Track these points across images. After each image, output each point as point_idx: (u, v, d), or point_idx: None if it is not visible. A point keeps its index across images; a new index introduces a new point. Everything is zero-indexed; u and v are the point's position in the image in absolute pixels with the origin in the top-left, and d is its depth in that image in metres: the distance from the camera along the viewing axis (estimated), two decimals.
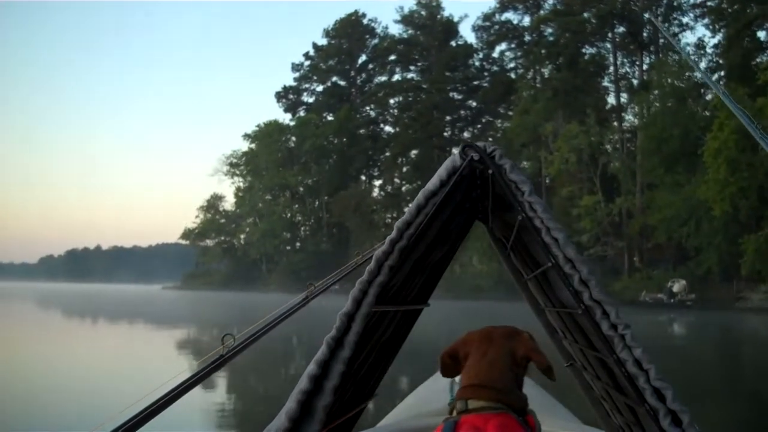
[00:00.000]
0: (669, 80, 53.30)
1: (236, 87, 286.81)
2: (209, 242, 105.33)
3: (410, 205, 2.14)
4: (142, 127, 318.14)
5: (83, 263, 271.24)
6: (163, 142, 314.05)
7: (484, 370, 2.05)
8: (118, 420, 1.97)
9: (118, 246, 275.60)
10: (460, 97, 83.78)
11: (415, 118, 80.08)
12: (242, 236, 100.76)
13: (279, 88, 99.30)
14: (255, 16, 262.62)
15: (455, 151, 2.73)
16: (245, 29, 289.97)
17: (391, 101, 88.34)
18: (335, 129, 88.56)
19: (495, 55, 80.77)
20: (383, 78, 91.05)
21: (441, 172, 2.13)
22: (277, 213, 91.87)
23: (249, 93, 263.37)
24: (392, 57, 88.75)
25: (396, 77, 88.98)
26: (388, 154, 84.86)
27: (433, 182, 2.12)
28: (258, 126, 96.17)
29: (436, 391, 3.83)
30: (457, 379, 2.25)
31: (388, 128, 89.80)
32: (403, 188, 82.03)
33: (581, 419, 3.75)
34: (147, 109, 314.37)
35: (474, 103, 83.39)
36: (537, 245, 2.10)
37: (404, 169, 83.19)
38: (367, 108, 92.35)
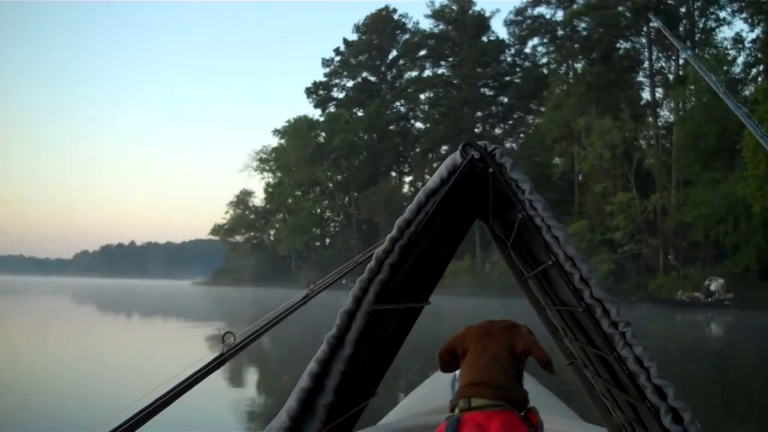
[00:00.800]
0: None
1: (267, 83, 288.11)
2: (239, 238, 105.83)
3: (411, 203, 2.13)
4: (174, 124, 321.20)
5: (117, 259, 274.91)
6: (195, 138, 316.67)
7: (484, 367, 2.05)
8: (119, 419, 1.96)
9: (152, 242, 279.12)
10: (491, 93, 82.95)
11: (445, 114, 79.49)
12: (272, 232, 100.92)
13: (309, 84, 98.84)
14: (286, 11, 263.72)
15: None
16: (276, 25, 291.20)
17: (422, 97, 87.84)
18: (365, 125, 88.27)
19: (527, 50, 79.87)
20: (414, 73, 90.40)
21: (441, 170, 2.13)
22: (306, 209, 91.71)
23: (279, 89, 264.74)
24: (423, 52, 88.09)
25: (426, 73, 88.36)
26: (418, 150, 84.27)
27: (433, 180, 2.13)
28: (288, 122, 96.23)
29: (437, 389, 3.84)
30: (458, 376, 2.24)
31: (418, 124, 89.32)
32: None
33: (582, 417, 3.70)
34: (179, 105, 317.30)
35: (505, 99, 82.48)
36: (537, 243, 2.08)
37: (434, 165, 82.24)
38: (397, 104, 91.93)
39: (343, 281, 2.57)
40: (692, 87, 53.37)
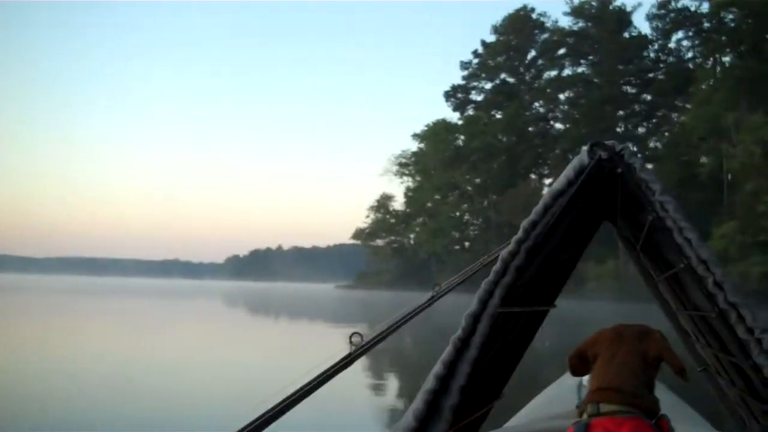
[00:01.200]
0: None
1: (407, 87, 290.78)
2: (380, 242, 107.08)
3: (537, 205, 2.10)
4: (319, 130, 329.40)
5: (265, 263, 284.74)
6: (339, 143, 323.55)
7: (615, 373, 2.00)
8: (248, 418, 1.98)
9: (298, 246, 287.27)
10: (633, 90, 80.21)
11: (585, 113, 77.50)
12: (411, 236, 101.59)
13: (448, 88, 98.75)
14: (424, 15, 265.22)
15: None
16: (415, 29, 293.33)
17: (561, 96, 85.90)
18: (504, 127, 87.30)
19: (671, 45, 76.71)
20: (553, 73, 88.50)
21: (568, 171, 2.12)
22: (445, 212, 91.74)
23: (420, 93, 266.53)
24: (562, 51, 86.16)
25: (566, 72, 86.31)
26: (557, 151, 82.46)
27: (560, 181, 2.11)
28: (426, 126, 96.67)
29: (563, 393, 3.75)
30: (585, 380, 2.25)
31: (558, 125, 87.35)
32: None
33: (715, 426, 3.60)
34: (324, 113, 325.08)
35: (648, 97, 79.41)
36: (669, 246, 2.05)
37: None
38: (536, 104, 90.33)
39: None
40: None
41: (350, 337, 2.18)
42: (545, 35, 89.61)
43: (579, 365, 2.15)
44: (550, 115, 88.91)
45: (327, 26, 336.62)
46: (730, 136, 56.97)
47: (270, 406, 2.03)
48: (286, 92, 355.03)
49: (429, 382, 2.02)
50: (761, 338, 1.82)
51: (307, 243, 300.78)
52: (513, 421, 3.86)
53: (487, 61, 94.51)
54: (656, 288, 2.89)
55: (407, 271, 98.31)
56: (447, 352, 2.03)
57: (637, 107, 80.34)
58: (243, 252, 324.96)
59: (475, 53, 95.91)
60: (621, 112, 79.66)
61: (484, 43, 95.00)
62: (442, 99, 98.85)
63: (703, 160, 61.66)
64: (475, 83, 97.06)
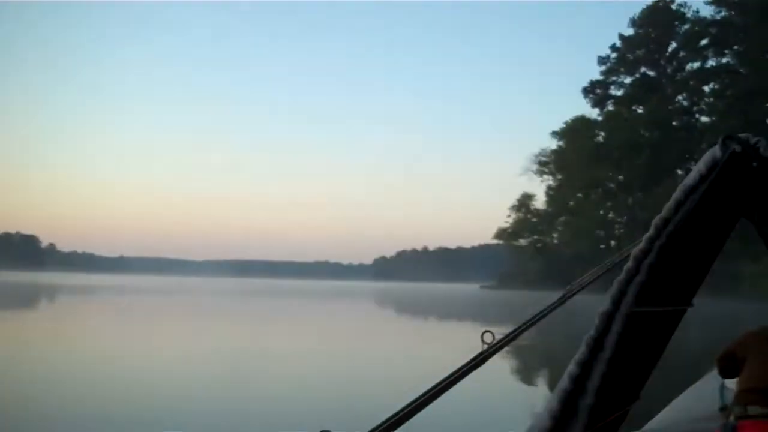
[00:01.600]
0: None
1: (544, 85, 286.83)
2: (522, 242, 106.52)
3: (669, 201, 2.12)
4: (460, 129, 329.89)
5: (411, 263, 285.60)
6: (478, 141, 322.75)
7: (764, 374, 1.96)
8: (383, 416, 2.02)
9: (443, 247, 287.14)
10: None
11: (731, 105, 74.35)
12: (554, 235, 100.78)
13: (586, 84, 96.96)
14: (560, 10, 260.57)
15: None
16: (550, 25, 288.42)
17: (705, 89, 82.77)
18: (646, 121, 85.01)
19: None
20: (696, 64, 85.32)
21: (700, 166, 2.08)
22: (588, 211, 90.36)
23: (557, 90, 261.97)
24: (704, 41, 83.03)
25: (710, 63, 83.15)
26: (704, 145, 79.56)
27: (692, 177, 2.08)
28: (565, 123, 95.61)
29: (705, 395, 3.55)
30: (727, 382, 2.22)
31: (703, 118, 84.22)
32: None
33: None
34: (465, 112, 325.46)
35: None
36: None
37: None
38: (679, 97, 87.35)
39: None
40: None
41: (482, 336, 2.15)
42: (686, 26, 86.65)
43: (728, 367, 2.11)
44: (695, 108, 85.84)
45: (462, 23, 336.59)
46: None
47: (402, 405, 2.03)
48: (426, 92, 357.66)
49: (564, 382, 2.05)
50: None
51: (452, 244, 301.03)
52: (652, 424, 3.71)
53: (626, 54, 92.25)
54: None
55: (551, 270, 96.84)
56: (581, 352, 2.06)
57: None
58: (389, 253, 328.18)
59: (613, 47, 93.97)
60: None
61: (622, 37, 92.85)
62: (580, 96, 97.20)
63: None
64: (614, 78, 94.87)
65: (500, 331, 2.35)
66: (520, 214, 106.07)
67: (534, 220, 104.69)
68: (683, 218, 2.05)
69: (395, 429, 2.02)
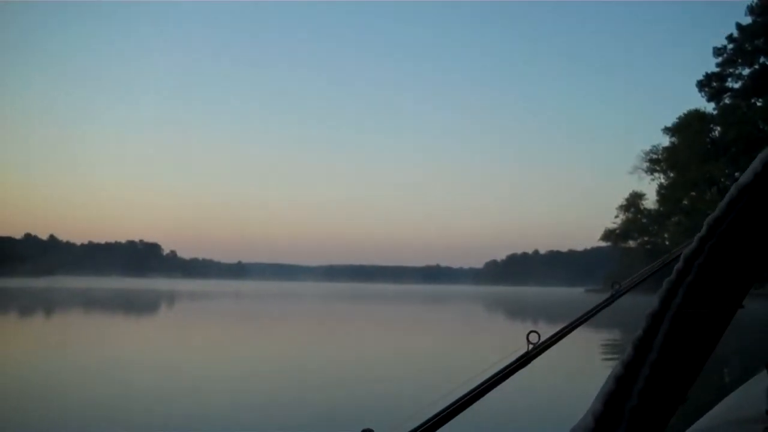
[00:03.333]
0: None
1: (655, 80, 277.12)
2: (631, 243, 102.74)
3: (722, 201, 1.90)
4: (567, 130, 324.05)
5: (522, 267, 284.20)
6: (584, 142, 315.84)
7: None
8: (419, 419, 1.99)
9: (554, 250, 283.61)
10: None
11: None
12: (665, 235, 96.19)
13: (701, 77, 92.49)
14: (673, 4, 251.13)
15: None
16: (661, 19, 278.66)
17: None
18: (765, 114, 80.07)
19: None
20: None
21: (756, 163, 1.87)
22: (703, 210, 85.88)
23: (670, 86, 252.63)
24: None
25: None
26: None
27: (747, 174, 1.87)
28: (678, 118, 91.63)
29: (752, 397, 3.38)
30: None
31: None
32: None
33: None
34: (571, 113, 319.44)
35: None
36: None
37: None
38: None
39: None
40: None
41: (527, 336, 2.11)
42: None
43: None
44: None
45: (566, 10, 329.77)
46: None
47: (440, 408, 2.00)
48: (536, 92, 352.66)
49: (608, 384, 1.95)
50: None
51: (563, 246, 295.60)
52: (698, 425, 3.50)
53: (744, 44, 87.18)
54: None
55: (664, 273, 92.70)
56: (627, 353, 1.93)
57: None
58: (500, 257, 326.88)
59: (730, 38, 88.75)
60: None
61: (739, 26, 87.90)
62: (695, 90, 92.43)
63: None
64: (731, 70, 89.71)
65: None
66: (629, 215, 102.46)
67: (644, 220, 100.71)
68: (736, 218, 1.86)
69: (438, 428, 1.99)
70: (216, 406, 10.90)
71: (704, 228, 1.87)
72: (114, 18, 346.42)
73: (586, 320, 2.23)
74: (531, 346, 2.08)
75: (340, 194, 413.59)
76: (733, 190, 1.87)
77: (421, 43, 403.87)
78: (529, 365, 2.14)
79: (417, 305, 58.28)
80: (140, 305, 46.43)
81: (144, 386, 12.81)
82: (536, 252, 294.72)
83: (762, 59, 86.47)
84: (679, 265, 1.88)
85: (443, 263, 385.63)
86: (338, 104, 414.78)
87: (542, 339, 2.10)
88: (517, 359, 2.09)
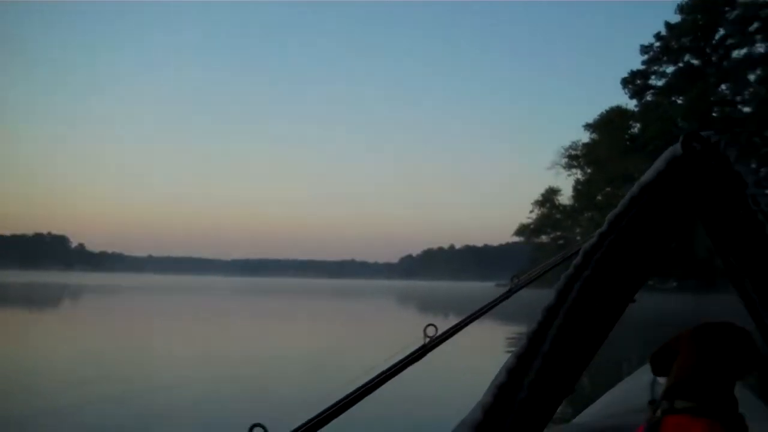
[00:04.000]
0: None
1: (580, 78, 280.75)
2: (544, 238, 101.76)
3: (624, 198, 2.10)
4: (491, 123, 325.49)
5: (437, 262, 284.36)
6: (510, 137, 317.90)
7: (693, 370, 2.01)
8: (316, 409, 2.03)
9: (470, 245, 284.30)
10: None
11: None
12: (578, 231, 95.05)
13: (625, 75, 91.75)
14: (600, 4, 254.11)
15: None
16: (587, 19, 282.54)
17: (751, 77, 76.87)
18: (684, 112, 79.54)
19: None
20: (742, 51, 79.66)
21: (658, 163, 2.06)
22: (616, 206, 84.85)
23: (594, 84, 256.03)
24: (754, 26, 77.02)
25: (758, 48, 77.26)
26: (741, 135, 73.74)
27: (649, 173, 2.07)
28: (600, 115, 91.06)
29: (637, 389, 3.75)
30: (660, 377, 2.38)
31: (747, 109, 78.29)
32: (762, 172, 70.63)
33: None
34: (489, 106, 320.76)
35: None
36: (758, 241, 2.05)
37: (761, 152, 71.71)
38: (723, 87, 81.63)
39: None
40: None
41: (425, 329, 2.15)
42: (736, 12, 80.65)
43: (661, 364, 2.18)
44: (738, 97, 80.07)
45: (488, 12, 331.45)
46: None
47: (334, 401, 2.02)
48: (454, 88, 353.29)
49: (500, 376, 1.99)
50: None
51: (479, 242, 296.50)
52: (584, 416, 3.78)
53: (671, 43, 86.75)
54: (741, 284, 2.61)
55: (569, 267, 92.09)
56: (521, 345, 2.00)
57: None
58: (416, 251, 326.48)
59: (658, 36, 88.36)
60: None
61: (668, 25, 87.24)
62: (619, 88, 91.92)
63: None
64: (655, 68, 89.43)
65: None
66: (544, 210, 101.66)
67: (558, 216, 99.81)
68: (636, 215, 2.06)
69: (327, 423, 2.06)
70: (99, 406, 9.67)
71: (605, 224, 2.05)
72: None
73: (483, 313, 2.32)
74: (428, 339, 2.15)
75: (253, 188, 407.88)
76: (635, 188, 2.03)
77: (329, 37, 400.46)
78: (433, 357, 2.20)
79: (327, 300, 57.28)
80: (21, 300, 42.57)
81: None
82: (452, 247, 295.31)
83: (687, 57, 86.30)
84: (577, 259, 2.03)
85: (358, 258, 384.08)
86: (246, 95, 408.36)
87: (439, 332, 2.16)
88: (413, 352, 2.14)
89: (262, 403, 10.10)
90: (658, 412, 1.96)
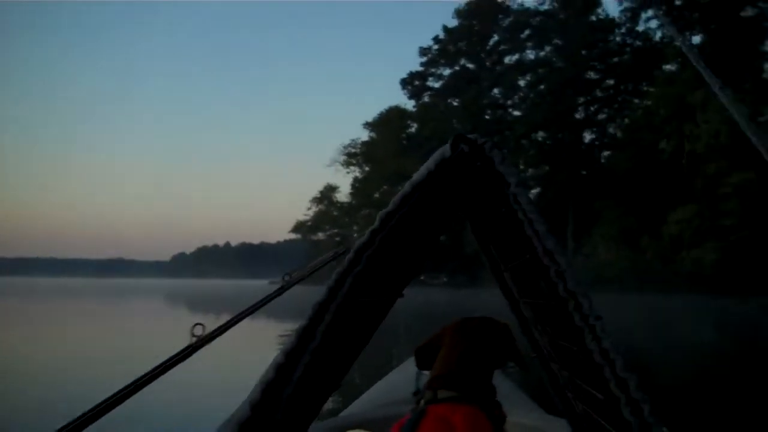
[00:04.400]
0: None
1: (363, 77, 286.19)
2: (321, 235, 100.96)
3: (395, 196, 2.11)
4: (271, 120, 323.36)
5: (213, 260, 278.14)
6: (291, 135, 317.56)
7: (454, 362, 2.13)
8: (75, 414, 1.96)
9: (246, 242, 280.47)
10: (596, 76, 75.56)
11: (543, 95, 73.16)
12: (355, 228, 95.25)
13: (405, 75, 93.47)
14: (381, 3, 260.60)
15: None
16: (370, 17, 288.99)
17: (521, 83, 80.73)
18: (460, 113, 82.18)
19: (639, 28, 72.31)
20: (514, 57, 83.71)
21: (429, 163, 2.11)
22: (389, 204, 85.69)
23: (376, 82, 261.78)
24: (525, 34, 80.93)
25: (529, 55, 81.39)
26: (512, 138, 77.00)
27: (420, 173, 2.12)
28: (379, 114, 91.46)
29: (401, 381, 3.93)
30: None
31: (517, 113, 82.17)
32: (529, 172, 74.03)
33: (545, 409, 3.70)
34: (272, 106, 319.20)
35: (611, 82, 75.03)
36: (518, 237, 2.09)
37: (530, 153, 75.34)
38: (495, 90, 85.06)
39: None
40: None
41: (192, 329, 2.11)
42: (510, 19, 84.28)
43: (425, 358, 2.28)
44: (510, 102, 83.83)
45: (269, 10, 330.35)
46: (695, 117, 52.77)
47: (96, 402, 1.97)
48: (228, 84, 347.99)
49: (268, 372, 2.00)
50: (594, 325, 1.86)
51: (255, 239, 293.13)
52: (351, 409, 3.89)
53: (448, 46, 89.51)
54: (502, 277, 2.80)
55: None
56: (290, 342, 2.01)
57: (599, 92, 75.76)
58: (190, 249, 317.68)
59: (436, 39, 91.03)
60: (582, 99, 75.06)
61: (446, 29, 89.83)
62: (399, 88, 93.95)
63: (665, 143, 57.41)
64: (433, 70, 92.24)
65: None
66: (322, 207, 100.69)
67: (335, 213, 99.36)
68: (407, 212, 2.08)
69: (89, 425, 2.01)
70: None
71: (377, 221, 2.02)
72: None
73: (253, 311, 2.30)
74: (195, 339, 2.11)
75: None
76: (407, 186, 2.03)
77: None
78: (204, 356, 2.17)
79: (90, 301, 52.73)
80: None
81: None
82: (228, 244, 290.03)
83: (463, 61, 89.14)
84: (350, 255, 2.01)
85: (127, 256, 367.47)
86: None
87: (207, 331, 2.12)
88: (180, 352, 2.09)
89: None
90: (422, 402, 2.03)
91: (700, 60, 3.36)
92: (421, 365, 2.31)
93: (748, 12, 57.31)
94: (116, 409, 1.96)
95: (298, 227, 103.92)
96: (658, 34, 69.42)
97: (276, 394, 1.97)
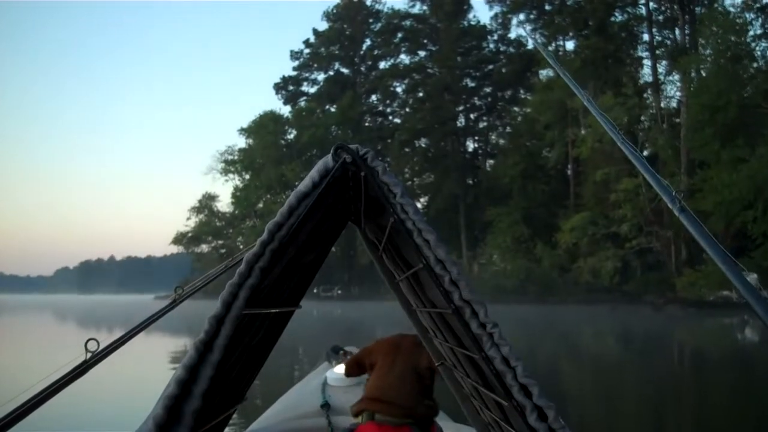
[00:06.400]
0: (720, 38, 44.30)
1: (235, 81, 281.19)
2: (204, 247, 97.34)
3: (282, 207, 2.08)
4: (143, 130, 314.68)
5: (96, 274, 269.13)
6: (167, 143, 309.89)
7: (391, 385, 2.16)
8: None
9: (131, 256, 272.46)
10: (473, 84, 75.49)
11: (423, 101, 72.64)
12: (239, 239, 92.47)
13: (278, 80, 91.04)
14: (251, 3, 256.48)
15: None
16: (243, 17, 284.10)
17: (399, 89, 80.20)
18: (338, 119, 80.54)
19: (511, 35, 73.02)
20: (389, 62, 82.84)
21: (313, 173, 2.11)
22: (277, 213, 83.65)
23: (249, 87, 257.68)
24: (398, 36, 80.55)
25: (403, 59, 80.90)
26: (395, 144, 76.38)
27: (305, 184, 2.11)
28: (254, 119, 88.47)
29: (307, 393, 3.91)
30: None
31: (397, 120, 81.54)
32: (415, 181, 73.78)
33: (451, 417, 3.66)
34: (144, 112, 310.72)
35: (489, 89, 75.16)
36: (409, 247, 2.14)
37: (414, 159, 74.94)
38: (373, 96, 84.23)
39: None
40: (708, 51, 45.52)
41: (86, 344, 2.00)
42: (380, 24, 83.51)
43: (355, 370, 2.36)
44: (389, 108, 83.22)
45: (136, 8, 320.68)
46: (578, 122, 53.33)
47: None
48: (94, 88, 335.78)
49: (170, 388, 1.91)
50: (492, 332, 1.90)
51: (141, 252, 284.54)
52: (259, 423, 3.81)
53: (320, 50, 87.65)
54: (398, 288, 2.88)
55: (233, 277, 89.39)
56: (189, 356, 1.93)
57: (478, 102, 75.88)
58: (73, 263, 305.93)
59: (307, 42, 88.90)
60: (461, 107, 75.06)
61: (315, 32, 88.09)
62: (273, 92, 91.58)
63: (549, 149, 57.80)
64: (307, 74, 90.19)
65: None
66: (202, 217, 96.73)
67: (218, 223, 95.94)
68: (295, 223, 2.04)
69: None
70: None
71: (265, 233, 2.00)
72: None
73: (146, 326, 2.21)
74: (90, 355, 2.01)
75: None
76: (292, 197, 2.03)
77: None
78: (96, 374, 2.10)
79: None
80: None
81: None
82: (112, 258, 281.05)
83: (337, 66, 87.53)
84: (241, 268, 1.97)
85: (7, 271, 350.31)
86: None
87: (102, 347, 2.04)
88: (74, 369, 2.00)
89: None
90: (360, 418, 2.09)
91: (566, 72, 3.45)
92: (350, 374, 2.38)
93: (618, 17, 58.22)
94: None
95: (179, 239, 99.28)
96: (530, 42, 70.45)
97: (179, 409, 1.88)
